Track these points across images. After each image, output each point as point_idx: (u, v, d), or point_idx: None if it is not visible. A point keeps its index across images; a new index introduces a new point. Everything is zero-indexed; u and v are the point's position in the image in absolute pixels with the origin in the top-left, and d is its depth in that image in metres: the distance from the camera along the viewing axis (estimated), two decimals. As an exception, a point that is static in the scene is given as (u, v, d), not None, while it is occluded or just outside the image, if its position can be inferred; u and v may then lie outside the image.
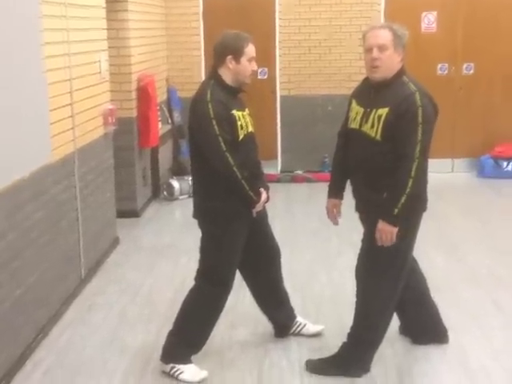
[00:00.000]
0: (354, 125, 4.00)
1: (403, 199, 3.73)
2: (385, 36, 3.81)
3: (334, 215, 4.28)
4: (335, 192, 4.27)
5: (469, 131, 9.53)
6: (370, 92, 3.95)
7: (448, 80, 9.49)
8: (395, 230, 3.80)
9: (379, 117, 3.82)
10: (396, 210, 3.76)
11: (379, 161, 3.84)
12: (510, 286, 5.50)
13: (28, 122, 4.50)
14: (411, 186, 3.72)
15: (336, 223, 4.31)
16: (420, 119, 3.72)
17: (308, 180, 9.16)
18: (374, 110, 3.85)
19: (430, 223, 6.53)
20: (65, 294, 5.17)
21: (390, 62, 3.84)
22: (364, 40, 3.93)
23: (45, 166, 4.76)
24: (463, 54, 9.48)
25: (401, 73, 3.89)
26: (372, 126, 3.85)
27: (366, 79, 4.03)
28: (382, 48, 3.81)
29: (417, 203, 3.94)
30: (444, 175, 9.29)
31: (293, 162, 9.49)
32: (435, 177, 8.47)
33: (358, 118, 3.96)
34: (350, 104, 4.12)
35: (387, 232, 3.82)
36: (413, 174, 3.72)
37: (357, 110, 4.00)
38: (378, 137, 3.83)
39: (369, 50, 3.86)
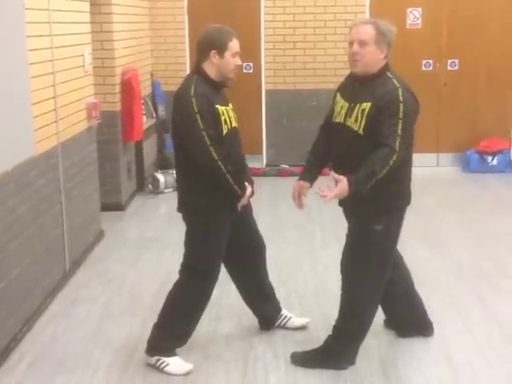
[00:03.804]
0: (338, 119, 4.01)
1: (370, 180, 3.71)
2: (367, 32, 3.83)
3: (298, 196, 4.18)
4: (306, 175, 4.20)
5: (454, 126, 9.57)
6: (355, 86, 3.97)
7: (433, 76, 9.53)
8: (346, 192, 3.73)
9: (363, 111, 3.83)
10: (362, 189, 3.70)
11: (362, 155, 3.82)
12: (493, 279, 5.53)
13: (11, 116, 4.46)
14: (385, 173, 3.71)
15: (300, 206, 4.21)
16: (401, 114, 3.73)
17: (293, 174, 9.12)
18: (358, 105, 3.86)
19: (415, 217, 6.55)
20: (49, 287, 5.15)
21: (371, 58, 3.85)
22: (349, 33, 3.95)
23: (28, 159, 4.74)
24: (448, 50, 9.51)
25: (385, 69, 3.90)
26: (356, 121, 3.87)
27: (351, 74, 4.04)
28: (362, 43, 3.83)
29: (400, 199, 3.98)
30: (429, 169, 9.32)
31: (278, 156, 9.50)
32: (420, 171, 8.58)
33: (343, 112, 3.97)
34: (334, 98, 4.13)
35: (342, 192, 3.71)
36: (391, 163, 3.70)
37: (342, 104, 4.01)
38: (361, 131, 3.84)
39: (350, 44, 3.89)
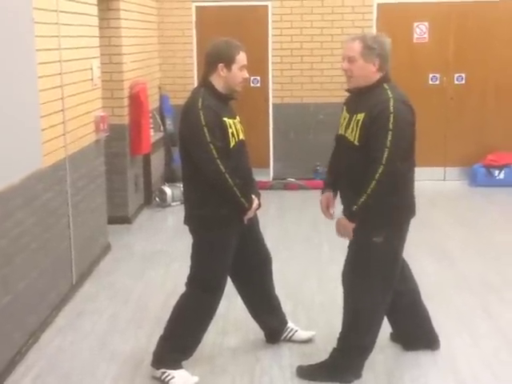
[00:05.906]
0: (340, 131, 4.08)
1: (363, 198, 3.79)
2: (354, 48, 3.89)
3: (327, 208, 4.30)
4: (329, 187, 4.30)
5: (461, 140, 9.56)
6: (354, 98, 4.03)
7: (440, 90, 9.54)
8: (351, 225, 3.91)
9: (357, 122, 3.88)
10: (354, 207, 3.85)
11: (360, 165, 3.87)
12: (500, 292, 5.51)
13: (19, 128, 4.49)
14: (373, 187, 3.75)
15: (330, 217, 4.30)
16: (390, 125, 3.74)
17: (301, 187, 9.16)
18: (355, 116, 3.91)
19: (422, 231, 6.57)
20: (56, 299, 5.16)
21: (361, 73, 3.89)
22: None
23: (36, 172, 4.75)
24: (455, 65, 9.52)
25: (381, 81, 3.92)
26: (352, 131, 3.92)
27: None
28: (351, 59, 3.90)
29: (400, 211, 3.98)
30: (436, 183, 9.33)
31: (285, 169, 9.51)
32: (427, 185, 8.60)
33: (344, 123, 4.04)
34: (342, 111, 4.17)
35: (343, 225, 3.95)
36: (377, 176, 3.74)
37: (344, 116, 4.08)
38: (356, 141, 3.88)
39: (343, 60, 3.97)
